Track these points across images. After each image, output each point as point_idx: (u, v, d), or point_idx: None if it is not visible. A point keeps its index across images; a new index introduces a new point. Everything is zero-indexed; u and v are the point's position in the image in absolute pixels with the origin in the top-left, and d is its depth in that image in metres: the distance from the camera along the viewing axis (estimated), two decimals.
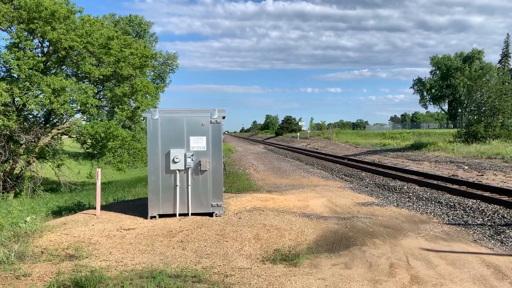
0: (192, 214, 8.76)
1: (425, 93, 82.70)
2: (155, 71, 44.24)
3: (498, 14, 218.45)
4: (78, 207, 12.57)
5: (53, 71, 20.35)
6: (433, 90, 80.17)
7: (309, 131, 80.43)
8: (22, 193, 18.94)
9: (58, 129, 20.60)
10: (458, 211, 9.69)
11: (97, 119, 22.35)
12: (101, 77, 20.20)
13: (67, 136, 22.29)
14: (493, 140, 27.99)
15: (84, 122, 21.35)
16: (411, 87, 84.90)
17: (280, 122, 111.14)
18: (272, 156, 32.67)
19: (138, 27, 48.23)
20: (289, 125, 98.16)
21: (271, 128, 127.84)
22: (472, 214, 9.31)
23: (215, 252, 6.57)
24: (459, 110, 77.09)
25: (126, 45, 21.25)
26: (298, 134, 76.44)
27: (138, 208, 9.89)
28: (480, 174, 16.35)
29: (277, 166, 23.10)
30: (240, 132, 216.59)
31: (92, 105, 19.03)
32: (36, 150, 19.37)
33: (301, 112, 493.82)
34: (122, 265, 5.97)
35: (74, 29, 19.08)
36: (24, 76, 17.48)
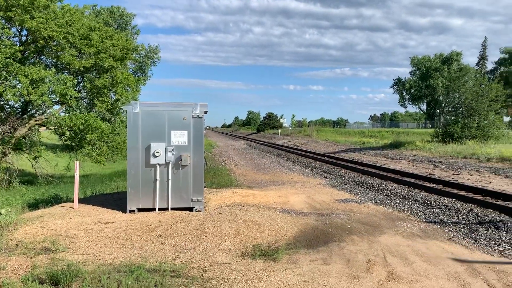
0: (172, 208, 8.72)
1: (404, 93, 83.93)
2: (137, 63, 43.60)
3: (477, 17, 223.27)
4: (55, 200, 12.39)
5: (32, 61, 19.89)
6: (413, 90, 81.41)
7: (290, 128, 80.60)
8: None
9: (36, 120, 20.15)
10: (434, 209, 9.90)
11: (76, 111, 21.93)
12: (82, 68, 19.83)
13: (45, 128, 21.83)
14: (469, 140, 28.61)
15: (62, 114, 20.95)
16: (391, 87, 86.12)
17: (262, 119, 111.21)
18: (253, 152, 32.69)
19: (120, 19, 47.33)
20: (270, 122, 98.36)
21: (253, 124, 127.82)
22: (447, 213, 9.53)
23: (194, 247, 6.56)
24: (437, 111, 78.56)
25: (107, 37, 20.89)
26: (280, 131, 76.61)
27: (117, 201, 9.78)
28: (456, 173, 16.72)
29: (258, 162, 23.14)
30: (221, 127, 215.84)
31: (71, 97, 18.65)
32: (12, 141, 18.92)
33: (283, 109, 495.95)
34: (99, 259, 5.90)
35: (54, 19, 18.64)
36: (0, 65, 17.03)
